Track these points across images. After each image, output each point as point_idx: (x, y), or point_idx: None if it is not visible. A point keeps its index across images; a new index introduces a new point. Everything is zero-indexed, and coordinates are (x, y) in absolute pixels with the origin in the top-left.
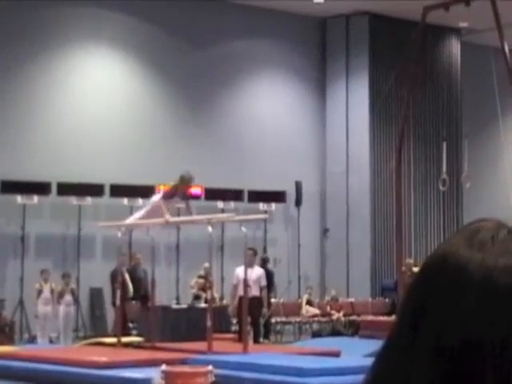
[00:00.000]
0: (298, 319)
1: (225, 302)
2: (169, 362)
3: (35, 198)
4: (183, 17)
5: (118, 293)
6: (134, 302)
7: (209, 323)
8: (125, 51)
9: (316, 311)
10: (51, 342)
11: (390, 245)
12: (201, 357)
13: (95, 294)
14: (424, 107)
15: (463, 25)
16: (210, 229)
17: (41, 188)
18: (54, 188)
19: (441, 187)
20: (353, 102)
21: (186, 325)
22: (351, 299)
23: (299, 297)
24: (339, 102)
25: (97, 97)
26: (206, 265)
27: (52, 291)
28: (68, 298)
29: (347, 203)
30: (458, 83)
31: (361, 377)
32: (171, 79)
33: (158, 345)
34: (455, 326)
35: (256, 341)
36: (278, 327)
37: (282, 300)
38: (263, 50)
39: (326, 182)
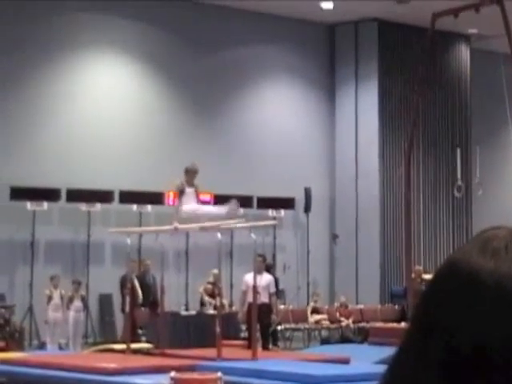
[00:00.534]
0: (306, 326)
1: (234, 308)
2: (178, 369)
3: (45, 205)
4: (192, 23)
5: (128, 299)
6: (143, 308)
7: (218, 330)
8: (134, 57)
9: (323, 316)
10: (61, 348)
11: (399, 251)
12: (210, 363)
13: (104, 301)
14: (433, 113)
15: (472, 31)
16: (219, 235)
17: (50, 194)
18: (63, 194)
19: (456, 193)
20: (362, 108)
21: (195, 331)
22: (360, 306)
23: (308, 303)
24: (348, 108)
25: (106, 103)
26: (215, 271)
27: (62, 297)
28: (77, 304)
29: (356, 209)
30: (467, 89)
31: None
32: (180, 85)
33: (167, 351)
34: (467, 333)
35: (265, 347)
36: (287, 334)
37: (290, 306)
38: (272, 57)
39: (335, 188)
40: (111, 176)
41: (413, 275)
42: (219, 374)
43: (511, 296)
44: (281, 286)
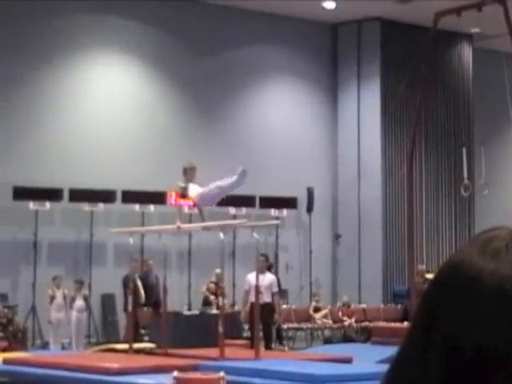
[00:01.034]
0: (309, 325)
1: (236, 308)
2: (180, 369)
3: (47, 205)
4: (194, 23)
5: (130, 299)
6: (145, 308)
7: (220, 329)
8: (136, 58)
9: (325, 312)
10: (63, 348)
11: (401, 251)
12: (212, 363)
13: (107, 300)
14: (436, 113)
15: (475, 30)
16: (221, 235)
17: (53, 194)
18: (66, 194)
19: (463, 193)
20: (364, 107)
21: (198, 331)
22: (363, 305)
23: (311, 301)
24: (351, 108)
25: (109, 104)
26: (218, 271)
27: (64, 297)
28: (80, 303)
29: (359, 209)
30: (469, 89)
31: (373, 383)
32: (182, 86)
33: (170, 351)
34: (468, 333)
35: (268, 347)
36: (290, 333)
37: (293, 306)
38: (274, 57)
39: (337, 188)
40: (114, 176)
41: (416, 275)
42: (222, 373)
43: (511, 297)
44: (283, 286)
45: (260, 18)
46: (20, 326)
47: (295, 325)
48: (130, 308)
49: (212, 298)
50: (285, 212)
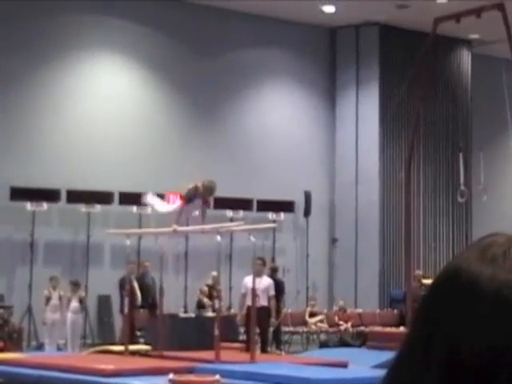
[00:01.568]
0: (305, 329)
1: (233, 311)
2: (176, 371)
3: (44, 205)
4: (193, 26)
5: (126, 301)
6: (141, 310)
7: (216, 332)
8: (135, 59)
9: (321, 318)
10: (59, 349)
11: (398, 256)
12: (208, 366)
13: (103, 302)
14: (434, 118)
15: (474, 36)
16: (218, 238)
17: (50, 195)
18: (63, 195)
19: (459, 199)
20: (362, 112)
21: (194, 333)
22: (359, 310)
23: (307, 306)
24: (349, 113)
25: (106, 105)
26: (214, 273)
27: (60, 298)
28: (75, 304)
29: (356, 213)
30: (468, 94)
31: None
32: (181, 88)
33: (166, 353)
34: (467, 338)
35: (264, 350)
36: (286, 337)
37: (289, 310)
38: (273, 60)
39: (334, 192)
40: (111, 177)
41: (413, 280)
42: (217, 376)
43: (509, 302)
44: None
45: (259, 22)
46: (15, 326)
47: (291, 328)
48: (126, 310)
49: (205, 300)
50: (282, 215)
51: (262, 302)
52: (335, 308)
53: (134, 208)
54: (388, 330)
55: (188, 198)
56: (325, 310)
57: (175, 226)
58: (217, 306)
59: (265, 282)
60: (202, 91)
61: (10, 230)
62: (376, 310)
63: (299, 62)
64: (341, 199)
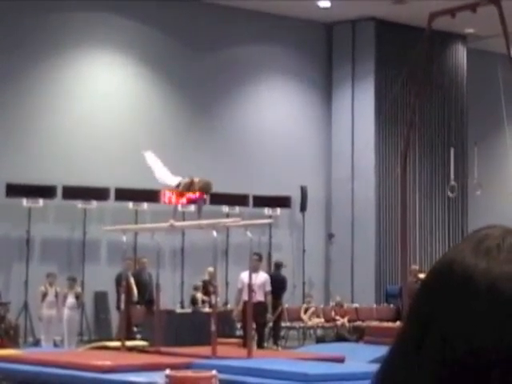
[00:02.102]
0: (302, 324)
1: (229, 306)
2: (173, 367)
3: (40, 202)
4: (189, 22)
5: (123, 297)
6: (138, 306)
7: (213, 328)
8: (131, 56)
9: (312, 310)
10: (55, 345)
11: (394, 251)
12: (205, 361)
13: (100, 298)
14: (430, 113)
15: (469, 31)
16: (214, 233)
17: (46, 191)
18: (59, 192)
19: (449, 194)
20: (358, 107)
21: (191, 329)
22: (356, 305)
23: (303, 302)
24: (345, 108)
25: (102, 101)
26: (211, 269)
27: (57, 295)
28: (71, 301)
29: (352, 209)
30: (463, 89)
31: (365, 383)
32: (177, 85)
33: (163, 349)
34: (461, 333)
35: (260, 346)
36: (283, 332)
37: (286, 305)
38: (269, 56)
39: (331, 188)
40: (107, 173)
41: (409, 275)
42: (214, 372)
43: (504, 296)
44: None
45: (255, 17)
46: (12, 323)
47: (288, 324)
48: (122, 306)
49: (199, 295)
50: (278, 211)
51: (259, 297)
52: (332, 303)
53: (130, 204)
54: (385, 324)
55: (181, 189)
56: (321, 305)
57: (172, 222)
58: (213, 301)
59: (261, 277)
60: (199, 88)
61: (6, 226)
62: (372, 304)
63: (295, 58)
64: (337, 195)
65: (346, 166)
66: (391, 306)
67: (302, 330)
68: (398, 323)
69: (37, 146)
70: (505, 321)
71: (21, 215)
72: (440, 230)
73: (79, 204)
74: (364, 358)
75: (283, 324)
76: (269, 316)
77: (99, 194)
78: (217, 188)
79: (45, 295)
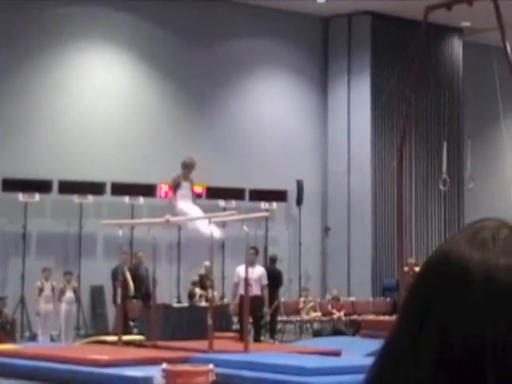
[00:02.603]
0: (298, 318)
1: (226, 300)
2: (170, 361)
3: (37, 196)
4: (185, 16)
5: (119, 291)
6: (135, 300)
7: (210, 322)
8: (127, 50)
9: (311, 304)
10: (52, 340)
11: (391, 244)
12: (202, 355)
13: (96, 293)
14: (426, 107)
15: (465, 24)
16: (211, 227)
17: (42, 186)
18: (55, 186)
19: (441, 187)
20: (354, 101)
21: (187, 323)
22: (352, 298)
23: (300, 296)
24: (341, 102)
25: (98, 95)
26: (207, 263)
27: (53, 289)
28: (69, 295)
29: (348, 202)
30: (459, 82)
31: (361, 376)
32: (173, 78)
33: (159, 343)
34: (457, 325)
35: (257, 340)
36: (279, 326)
37: (282, 299)
38: (265, 49)
39: (327, 181)
40: (103, 168)
41: (406, 268)
42: (211, 365)
43: (499, 287)
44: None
45: (251, 11)
46: (9, 317)
47: (284, 318)
48: (119, 300)
49: (196, 290)
50: (274, 205)
51: (255, 291)
52: (328, 297)
53: (127, 198)
54: (381, 318)
55: (175, 186)
56: (318, 299)
57: (168, 217)
58: (210, 295)
59: (258, 271)
60: (195, 81)
61: (2, 221)
62: (369, 298)
63: (291, 52)
64: (333, 188)
65: (342, 159)
66: (388, 299)
67: (299, 323)
68: (394, 317)
69: (33, 141)
70: (501, 312)
71: (17, 210)
72: (436, 223)
73: (75, 198)
74: (361, 351)
75: (280, 318)
76: (265, 310)
77: (95, 188)
78: (213, 182)
79: (41, 290)
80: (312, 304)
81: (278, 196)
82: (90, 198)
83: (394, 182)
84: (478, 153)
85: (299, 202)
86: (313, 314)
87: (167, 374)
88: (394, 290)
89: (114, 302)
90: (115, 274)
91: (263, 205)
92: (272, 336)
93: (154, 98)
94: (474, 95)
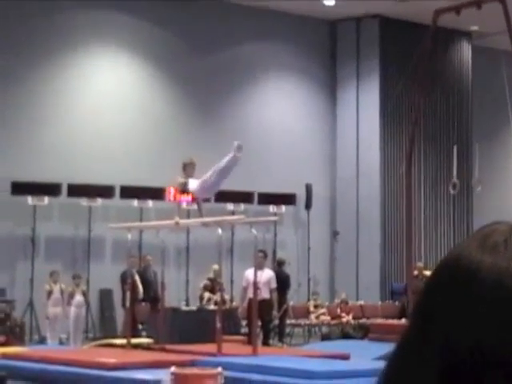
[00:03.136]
0: (307, 322)
1: (234, 304)
2: (178, 364)
3: (45, 200)
4: (192, 20)
5: (128, 294)
6: (143, 303)
7: (218, 325)
8: (135, 54)
9: (323, 311)
10: (61, 343)
11: (399, 248)
12: (210, 359)
13: (105, 296)
14: (434, 111)
15: (474, 28)
16: (219, 231)
17: (51, 189)
18: (64, 189)
19: (451, 191)
20: (363, 105)
21: (196, 327)
22: (361, 302)
23: (309, 299)
24: (349, 105)
25: (107, 99)
26: (216, 267)
27: (62, 292)
28: (79, 299)
29: (357, 206)
30: (468, 87)
31: (370, 380)
32: (181, 82)
33: (168, 346)
34: (466, 329)
35: (265, 343)
36: (288, 330)
37: (291, 303)
38: (273, 53)
39: (335, 185)
40: (112, 171)
41: (415, 272)
42: (219, 369)
43: (510, 292)
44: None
45: (259, 15)
46: (18, 320)
47: (293, 321)
48: (127, 303)
49: (206, 294)
50: (283, 208)
51: (264, 294)
52: (337, 300)
53: (135, 202)
54: (390, 322)
55: (182, 189)
56: (326, 303)
57: (177, 219)
58: (218, 299)
59: (266, 274)
60: (202, 85)
61: (11, 224)
62: (378, 302)
63: (299, 56)
64: (342, 192)
65: (350, 163)
66: (396, 303)
67: (308, 327)
68: (403, 320)
69: (42, 144)
70: (510, 317)
71: (26, 213)
72: (445, 228)
73: (84, 202)
74: (369, 355)
75: (288, 321)
76: (274, 313)
77: (104, 191)
78: (222, 185)
79: (50, 293)
80: (323, 310)
81: (287, 200)
82: (99, 202)
83: (402, 186)
84: (487, 156)
85: (308, 205)
86: (321, 318)
87: (175, 378)
88: (402, 293)
89: (123, 305)
90: (124, 278)
91: (272, 208)
92: (280, 339)
93: (163, 102)
94: (482, 99)
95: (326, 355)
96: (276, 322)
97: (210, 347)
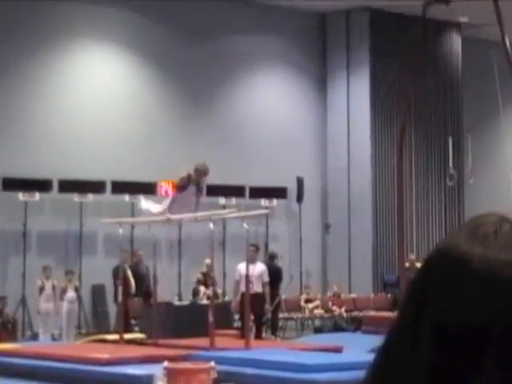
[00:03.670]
0: (300, 315)
1: (227, 298)
2: (171, 359)
3: (37, 195)
4: (183, 13)
5: (120, 289)
6: (136, 298)
7: (211, 319)
8: (126, 47)
9: (316, 303)
10: (53, 338)
11: (391, 240)
12: (203, 353)
13: (97, 291)
14: (425, 102)
15: (464, 19)
16: (211, 225)
17: (42, 185)
18: (55, 185)
19: (448, 182)
20: (354, 96)
21: (188, 321)
22: (353, 295)
23: (301, 293)
24: (340, 98)
25: (98, 93)
26: (208, 261)
27: (54, 288)
28: (71, 294)
29: (349, 199)
30: (458, 78)
31: (363, 372)
32: (172, 75)
33: (161, 341)
34: (457, 318)
35: (258, 337)
36: (281, 323)
37: (283, 296)
38: (264, 46)
39: (327, 178)
40: (103, 166)
41: (407, 264)
42: (212, 363)
43: (500, 281)
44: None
45: (249, 7)
46: (10, 316)
47: (285, 314)
48: (120, 298)
49: (201, 288)
50: (274, 202)
51: (256, 288)
52: (329, 293)
53: (127, 197)
54: (382, 314)
55: (181, 186)
56: (319, 296)
57: (168, 215)
58: (211, 293)
59: (258, 268)
60: (194, 77)
61: (2, 220)
62: (370, 294)
63: (290, 48)
64: (333, 184)
65: (341, 155)
66: (389, 295)
67: (300, 320)
68: (395, 312)
69: (32, 140)
70: (500, 304)
71: (17, 209)
72: (437, 219)
73: (75, 197)
74: (362, 347)
75: (281, 315)
76: (267, 307)
77: (95, 186)
78: (213, 179)
79: (42, 289)
80: (316, 303)
81: (278, 193)
82: (90, 197)
83: (394, 177)
84: (477, 147)
85: (299, 198)
86: (314, 311)
87: (169, 372)
88: (394, 285)
89: (115, 300)
90: (116, 273)
91: (263, 202)
92: (273, 333)
93: (153, 95)
94: (473, 90)
95: (319, 348)
96: (268, 315)
97: (203, 341)
